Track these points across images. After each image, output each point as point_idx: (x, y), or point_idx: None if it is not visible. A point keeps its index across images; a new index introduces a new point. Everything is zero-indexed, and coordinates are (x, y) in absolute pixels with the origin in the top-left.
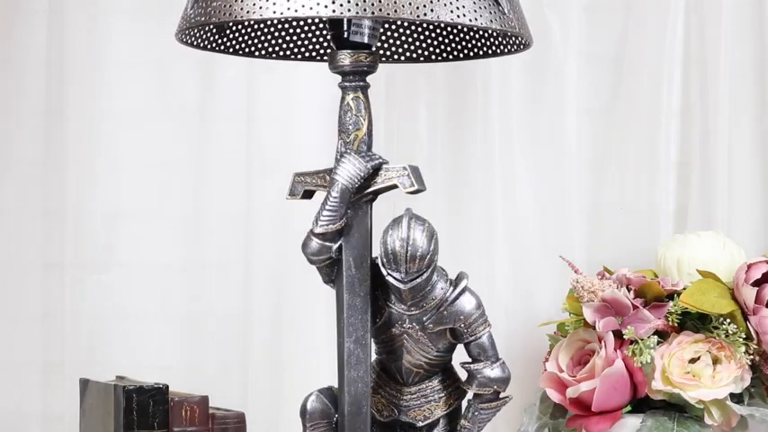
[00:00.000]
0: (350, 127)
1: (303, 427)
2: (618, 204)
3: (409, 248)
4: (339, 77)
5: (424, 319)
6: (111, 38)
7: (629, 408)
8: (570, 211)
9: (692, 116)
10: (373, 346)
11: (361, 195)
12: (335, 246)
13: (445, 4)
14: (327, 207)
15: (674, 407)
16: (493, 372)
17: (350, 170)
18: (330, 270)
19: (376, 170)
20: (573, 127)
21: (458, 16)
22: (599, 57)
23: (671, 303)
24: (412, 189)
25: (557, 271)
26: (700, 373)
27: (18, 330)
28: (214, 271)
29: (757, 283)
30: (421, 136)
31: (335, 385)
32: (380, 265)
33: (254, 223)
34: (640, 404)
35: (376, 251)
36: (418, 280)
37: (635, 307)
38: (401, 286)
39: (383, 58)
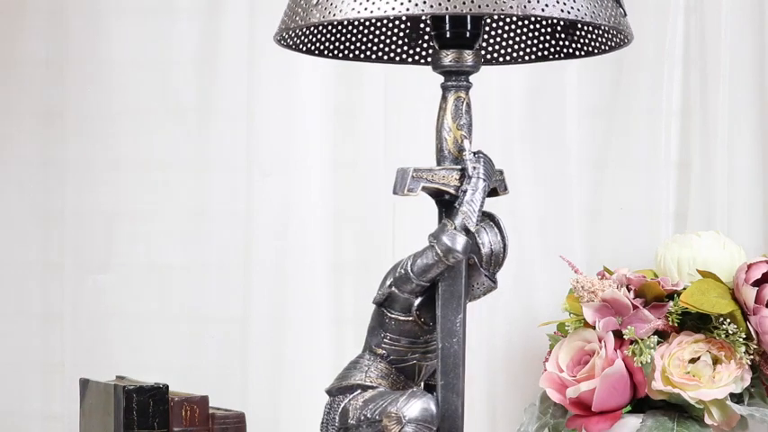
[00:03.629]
0: (470, 127)
1: (417, 429)
2: (618, 204)
3: (508, 250)
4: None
5: None
6: (111, 38)
7: (629, 408)
8: (570, 211)
9: (692, 116)
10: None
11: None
12: None
13: (558, 2)
14: (479, 206)
15: (674, 407)
16: None
17: (488, 170)
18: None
19: None
20: (573, 127)
21: (568, 12)
22: (599, 57)
23: (671, 303)
24: (506, 193)
25: (557, 271)
26: (700, 373)
27: (18, 330)
28: (214, 271)
29: (757, 283)
30: (421, 136)
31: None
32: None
33: (254, 223)
34: (640, 404)
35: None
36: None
37: (635, 307)
38: (494, 286)
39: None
